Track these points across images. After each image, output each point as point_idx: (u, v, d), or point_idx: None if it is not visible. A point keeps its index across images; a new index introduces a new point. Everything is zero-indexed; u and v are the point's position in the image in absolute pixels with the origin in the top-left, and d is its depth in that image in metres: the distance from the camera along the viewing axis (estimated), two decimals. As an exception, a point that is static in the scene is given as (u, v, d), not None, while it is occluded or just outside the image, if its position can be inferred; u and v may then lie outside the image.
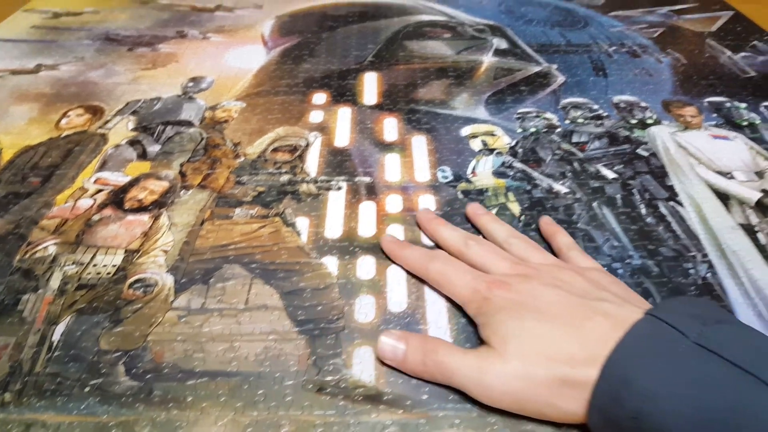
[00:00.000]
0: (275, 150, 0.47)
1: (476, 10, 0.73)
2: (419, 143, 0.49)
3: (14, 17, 0.71)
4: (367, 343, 0.32)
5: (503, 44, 0.65)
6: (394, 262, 0.37)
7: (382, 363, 0.31)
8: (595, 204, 0.42)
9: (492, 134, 0.50)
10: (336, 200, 0.42)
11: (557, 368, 0.26)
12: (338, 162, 0.46)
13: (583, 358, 0.26)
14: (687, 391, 0.23)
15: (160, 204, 0.41)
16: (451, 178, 0.45)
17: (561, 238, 0.37)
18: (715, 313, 0.27)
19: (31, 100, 0.54)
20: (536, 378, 0.27)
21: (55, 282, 0.35)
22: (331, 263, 0.37)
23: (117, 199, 0.42)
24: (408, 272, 0.36)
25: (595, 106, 0.53)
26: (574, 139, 0.49)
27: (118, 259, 0.37)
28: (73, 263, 0.37)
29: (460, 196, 0.43)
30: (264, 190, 0.42)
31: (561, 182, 0.44)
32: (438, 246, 0.38)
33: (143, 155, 0.47)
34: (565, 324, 0.28)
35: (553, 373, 0.26)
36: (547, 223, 0.39)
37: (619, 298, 0.30)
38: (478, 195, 0.43)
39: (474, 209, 0.40)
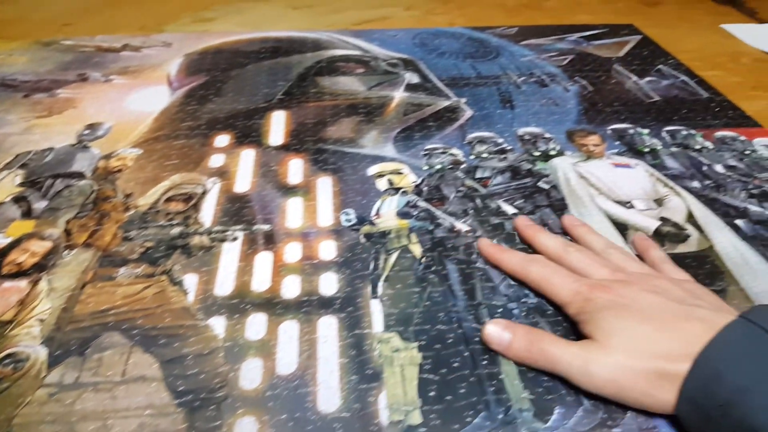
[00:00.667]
0: (169, 200, 0.45)
1: (390, 44, 0.73)
2: (324, 185, 0.48)
3: None
4: (250, 412, 0.30)
5: (415, 78, 0.65)
6: (492, 265, 0.39)
7: (488, 348, 0.34)
8: (494, 241, 0.42)
9: (399, 173, 0.49)
10: (230, 252, 0.40)
11: (655, 362, 0.29)
12: (236, 210, 0.44)
13: (679, 354, 0.29)
14: None
15: (40, 267, 0.39)
16: (354, 221, 0.44)
17: (654, 252, 0.39)
18: None
19: None
20: (636, 370, 0.29)
21: None
22: (218, 324, 0.35)
23: (-7, 264, 0.39)
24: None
25: (500, 140, 0.54)
26: (478, 174, 0.49)
27: (-13, 332, 0.34)
28: (-65, 341, 0.34)
29: (363, 240, 0.42)
30: (152, 246, 0.40)
31: (463, 220, 0.44)
32: (535, 252, 0.40)
33: (28, 213, 0.44)
34: (663, 325, 0.30)
35: (652, 366, 0.29)
36: (640, 238, 0.42)
37: (714, 305, 0.32)
38: (381, 237, 0.42)
39: (570, 221, 0.43)
